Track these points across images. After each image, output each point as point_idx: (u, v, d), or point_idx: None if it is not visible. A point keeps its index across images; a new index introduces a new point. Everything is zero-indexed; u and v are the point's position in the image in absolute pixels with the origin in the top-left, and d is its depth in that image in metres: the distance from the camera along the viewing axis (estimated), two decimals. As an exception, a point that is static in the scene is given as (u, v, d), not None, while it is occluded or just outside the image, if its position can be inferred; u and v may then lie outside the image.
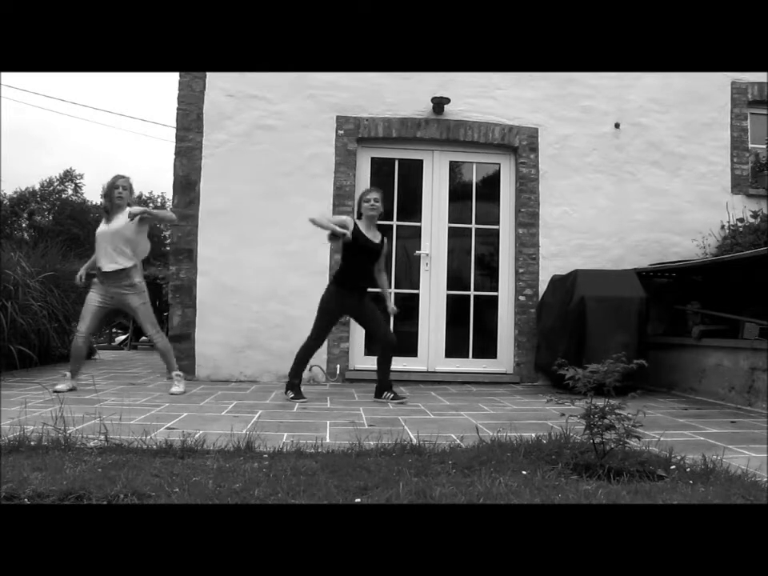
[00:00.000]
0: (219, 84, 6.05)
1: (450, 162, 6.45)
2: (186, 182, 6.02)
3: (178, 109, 6.06)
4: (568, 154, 6.37)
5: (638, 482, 2.26)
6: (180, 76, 6.09)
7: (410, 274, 6.32)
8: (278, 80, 6.06)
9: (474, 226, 6.45)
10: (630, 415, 2.46)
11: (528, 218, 6.27)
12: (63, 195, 40.72)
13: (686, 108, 6.50)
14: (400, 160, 6.38)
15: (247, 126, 6.07)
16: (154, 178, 54.50)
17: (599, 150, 6.40)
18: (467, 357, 6.30)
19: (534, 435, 2.96)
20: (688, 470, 2.45)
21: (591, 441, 2.50)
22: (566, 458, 2.51)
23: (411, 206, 6.38)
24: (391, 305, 4.83)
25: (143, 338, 11.49)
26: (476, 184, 6.51)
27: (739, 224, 6.16)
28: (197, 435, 3.01)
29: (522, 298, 6.22)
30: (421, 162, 6.39)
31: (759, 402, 4.47)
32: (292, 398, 4.59)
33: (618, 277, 5.59)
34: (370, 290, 4.69)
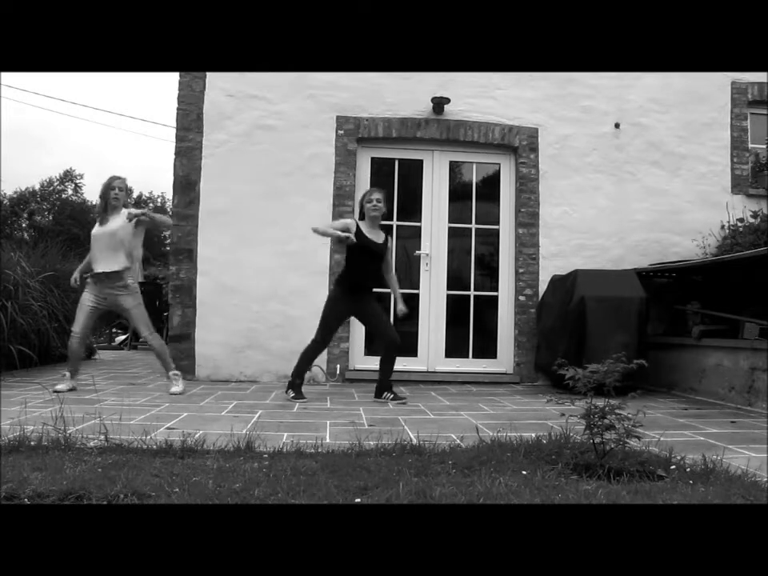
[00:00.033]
0: (219, 84, 6.05)
1: (450, 162, 6.45)
2: (186, 182, 6.02)
3: (178, 109, 6.06)
4: (568, 153, 6.37)
5: (638, 482, 2.26)
6: (180, 76, 6.08)
7: (410, 274, 6.32)
8: (278, 80, 6.06)
9: (473, 225, 6.45)
10: (630, 415, 2.46)
11: (528, 218, 6.27)
12: (63, 195, 40.75)
13: (686, 108, 6.50)
14: (400, 160, 6.38)
15: (247, 126, 6.07)
16: (154, 177, 54.56)
17: (599, 149, 6.40)
18: (467, 357, 6.30)
19: (533, 435, 2.96)
20: (688, 469, 2.45)
21: (591, 441, 2.50)
22: (566, 458, 2.51)
23: (411, 206, 6.38)
24: (401, 305, 4.75)
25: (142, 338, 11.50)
26: (476, 184, 6.51)
27: (739, 224, 6.16)
28: (197, 435, 3.01)
29: (522, 298, 6.22)
30: (421, 162, 6.39)
31: (759, 401, 4.47)
32: (292, 398, 4.59)
33: (618, 277, 5.59)
34: (380, 290, 4.68)
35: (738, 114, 6.55)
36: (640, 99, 6.46)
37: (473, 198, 6.46)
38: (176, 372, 4.94)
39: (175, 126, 6.07)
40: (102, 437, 2.75)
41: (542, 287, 6.15)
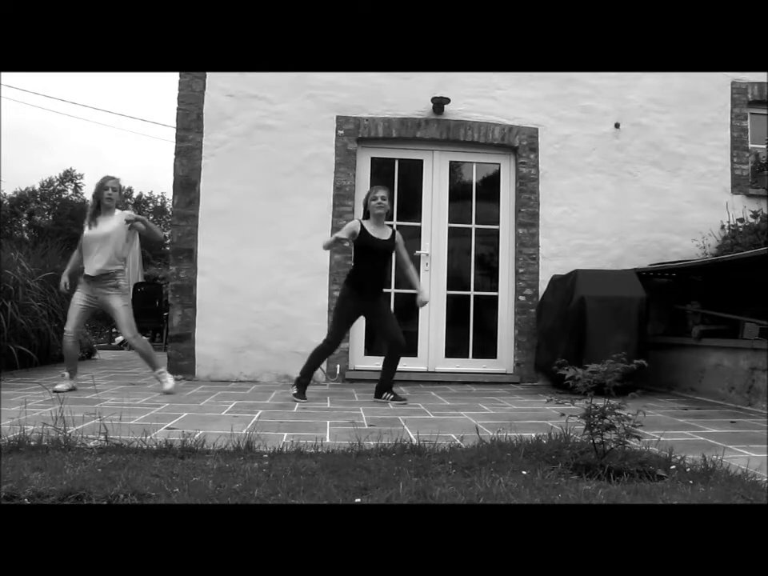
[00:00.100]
0: (219, 84, 6.05)
1: (450, 162, 6.45)
2: (186, 182, 6.02)
3: (178, 109, 6.06)
4: (568, 153, 6.37)
5: (638, 482, 2.26)
6: (180, 76, 6.09)
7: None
8: (278, 80, 6.07)
9: (473, 225, 6.45)
10: (630, 415, 2.46)
11: (528, 218, 6.27)
12: (63, 195, 40.77)
13: (686, 108, 6.50)
14: (400, 160, 6.38)
15: (247, 126, 6.07)
16: (154, 177, 54.56)
17: (599, 149, 6.41)
18: (467, 357, 6.30)
19: (533, 435, 2.96)
20: (688, 469, 2.45)
21: (591, 441, 2.50)
22: (566, 458, 2.51)
23: (411, 206, 6.38)
24: (421, 296, 4.73)
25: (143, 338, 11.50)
26: (476, 184, 6.52)
27: (739, 224, 6.16)
28: (197, 435, 3.01)
29: (522, 297, 6.22)
30: (421, 162, 6.39)
31: (759, 402, 4.47)
32: (294, 395, 4.60)
33: (618, 277, 5.59)
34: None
35: (738, 114, 6.55)
36: (640, 99, 6.46)
37: (473, 198, 6.46)
38: (162, 370, 4.90)
39: (175, 126, 6.07)
40: (102, 437, 2.75)
41: (542, 287, 6.15)
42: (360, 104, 6.17)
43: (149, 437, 2.85)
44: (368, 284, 4.59)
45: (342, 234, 4.56)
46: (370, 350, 6.14)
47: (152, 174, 61.25)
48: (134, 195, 42.44)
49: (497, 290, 6.39)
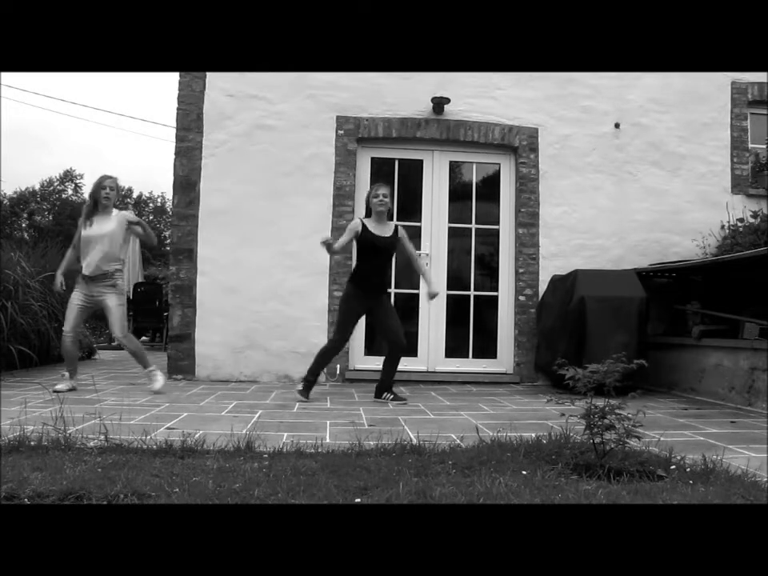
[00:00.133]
0: (219, 84, 6.05)
1: (450, 162, 6.45)
2: (186, 182, 6.02)
3: (178, 109, 6.06)
4: (568, 153, 6.37)
5: (638, 482, 2.26)
6: (180, 76, 6.09)
7: (410, 274, 6.32)
8: (278, 80, 6.07)
9: (473, 225, 6.45)
10: (630, 415, 2.46)
11: (528, 218, 6.27)
12: (63, 195, 40.76)
13: (686, 108, 6.50)
14: (400, 160, 6.38)
15: (247, 126, 6.07)
16: (154, 177, 54.54)
17: (599, 149, 6.41)
18: (467, 357, 6.30)
19: (533, 435, 2.96)
20: (688, 469, 2.45)
21: (591, 441, 2.50)
22: (566, 458, 2.51)
23: (411, 206, 6.38)
24: (431, 289, 4.72)
25: (143, 337, 11.50)
26: (476, 184, 6.52)
27: (739, 224, 6.16)
28: (197, 435, 3.01)
29: (522, 298, 6.22)
30: (421, 162, 6.39)
31: (759, 402, 4.47)
32: (298, 391, 4.63)
33: (618, 277, 5.59)
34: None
35: (738, 114, 6.56)
36: (640, 99, 6.47)
37: (473, 198, 6.46)
38: (152, 368, 4.89)
39: (175, 126, 6.07)
40: (102, 437, 2.75)
41: (542, 287, 6.15)
42: (360, 104, 6.18)
43: (149, 437, 2.85)
44: (371, 282, 4.59)
45: (346, 232, 4.60)
46: (369, 349, 6.14)
47: (152, 174, 61.24)
48: (134, 195, 42.44)
49: (497, 290, 6.39)
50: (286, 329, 5.93)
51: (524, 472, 2.35)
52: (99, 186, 4.83)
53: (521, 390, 5.67)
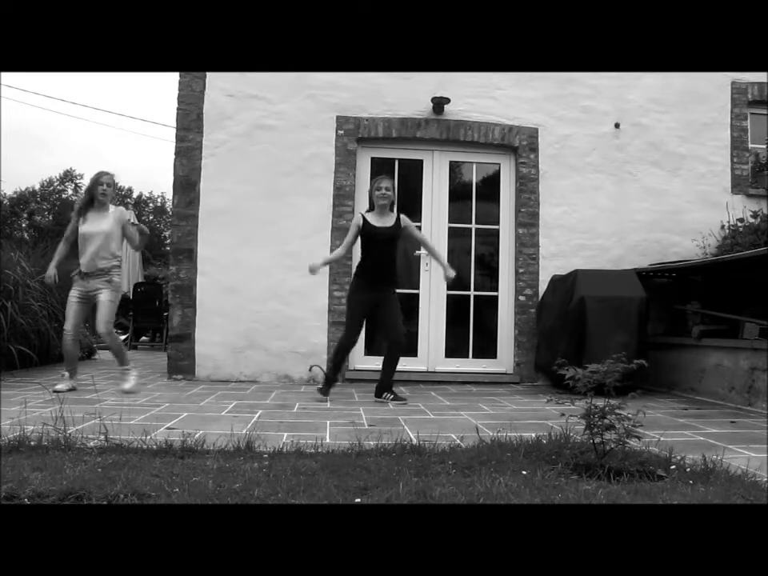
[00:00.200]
0: (219, 84, 6.05)
1: (450, 162, 6.45)
2: (186, 182, 6.02)
3: (177, 109, 6.06)
4: (568, 153, 6.37)
5: (638, 482, 2.26)
6: (180, 76, 6.09)
7: (410, 274, 6.32)
8: (278, 80, 6.07)
9: (473, 225, 6.45)
10: (630, 415, 2.46)
11: (528, 218, 6.27)
12: (63, 195, 40.76)
13: (686, 108, 6.50)
14: (400, 160, 6.38)
15: (247, 126, 6.07)
16: (154, 177, 54.54)
17: (599, 149, 6.41)
18: (467, 357, 6.30)
19: (533, 435, 2.96)
20: (688, 469, 2.45)
21: (591, 441, 2.50)
22: (566, 458, 2.51)
23: (411, 206, 6.37)
24: (449, 272, 4.68)
25: (143, 338, 11.49)
26: (476, 184, 6.52)
27: (739, 224, 6.16)
28: (197, 435, 3.01)
29: (522, 297, 6.22)
30: (421, 162, 6.39)
31: (759, 402, 4.47)
32: (318, 389, 4.74)
33: (618, 277, 5.59)
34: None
35: (738, 114, 6.55)
36: (640, 99, 6.46)
37: (473, 198, 6.46)
38: (128, 368, 4.88)
39: (175, 126, 6.07)
40: (102, 437, 2.75)
41: (542, 287, 6.15)
42: (360, 104, 6.18)
43: (149, 437, 2.85)
44: (374, 273, 4.60)
45: (349, 238, 4.70)
46: (369, 349, 6.14)
47: (152, 174, 61.24)
48: (134, 195, 42.44)
49: (497, 290, 6.39)
50: (286, 329, 5.93)
51: (524, 472, 2.35)
52: (96, 182, 4.83)
53: (521, 390, 5.67)
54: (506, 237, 6.40)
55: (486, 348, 6.34)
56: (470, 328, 6.34)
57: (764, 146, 6.53)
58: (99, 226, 4.77)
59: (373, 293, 4.58)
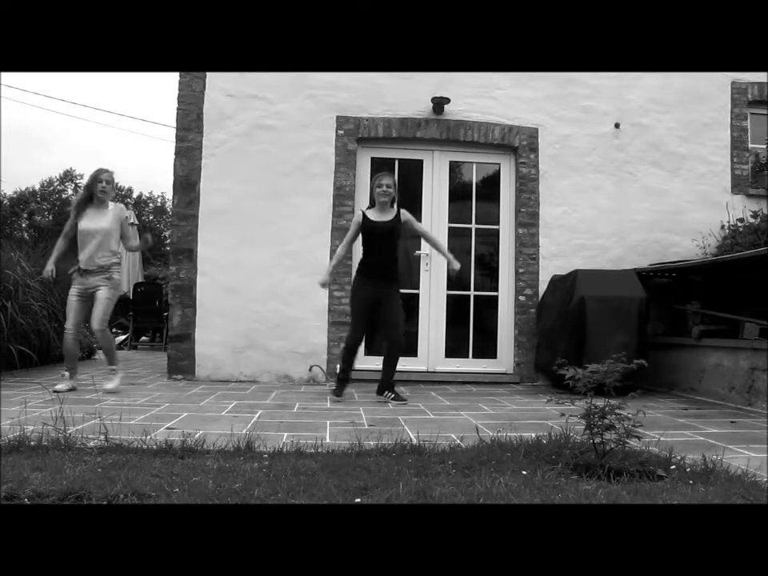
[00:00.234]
0: (219, 84, 6.05)
1: (450, 162, 6.45)
2: (186, 182, 6.02)
3: (178, 109, 6.06)
4: (568, 153, 6.37)
5: (638, 482, 2.26)
6: (180, 76, 6.09)
7: (410, 274, 6.32)
8: (278, 80, 6.07)
9: (473, 225, 6.45)
10: (630, 415, 2.46)
11: (528, 218, 6.27)
12: (63, 195, 40.76)
13: (686, 108, 6.50)
14: (400, 160, 6.38)
15: (247, 126, 6.07)
16: (154, 177, 54.53)
17: (599, 149, 6.41)
18: (467, 357, 6.30)
19: (533, 435, 2.96)
20: (688, 469, 2.45)
21: (591, 441, 2.50)
22: (566, 458, 2.51)
23: (411, 206, 6.31)
24: (454, 265, 4.69)
25: (143, 338, 11.49)
26: (476, 184, 6.52)
27: (739, 224, 6.16)
28: (197, 435, 3.01)
29: (522, 297, 6.22)
30: (421, 162, 6.39)
31: (759, 402, 4.47)
32: (332, 391, 4.76)
33: (618, 277, 5.59)
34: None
35: (738, 114, 6.56)
36: (640, 99, 6.46)
37: (473, 198, 6.46)
38: (115, 368, 4.88)
39: (175, 126, 6.07)
40: (102, 437, 2.75)
41: (542, 287, 6.15)
42: (360, 104, 6.18)
43: (149, 437, 2.85)
44: (374, 268, 4.62)
45: (349, 236, 4.74)
46: (369, 349, 6.13)
47: (152, 174, 61.21)
48: (134, 195, 42.44)
49: (497, 290, 6.39)
50: (286, 329, 5.93)
51: (524, 472, 2.35)
52: (96, 179, 4.82)
53: (521, 390, 5.67)
54: (506, 237, 6.40)
55: (486, 348, 6.34)
56: (470, 328, 6.34)
57: (764, 146, 6.53)
58: (99, 222, 4.77)
59: (374, 289, 4.58)
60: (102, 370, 6.61)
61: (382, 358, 4.76)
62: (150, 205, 43.29)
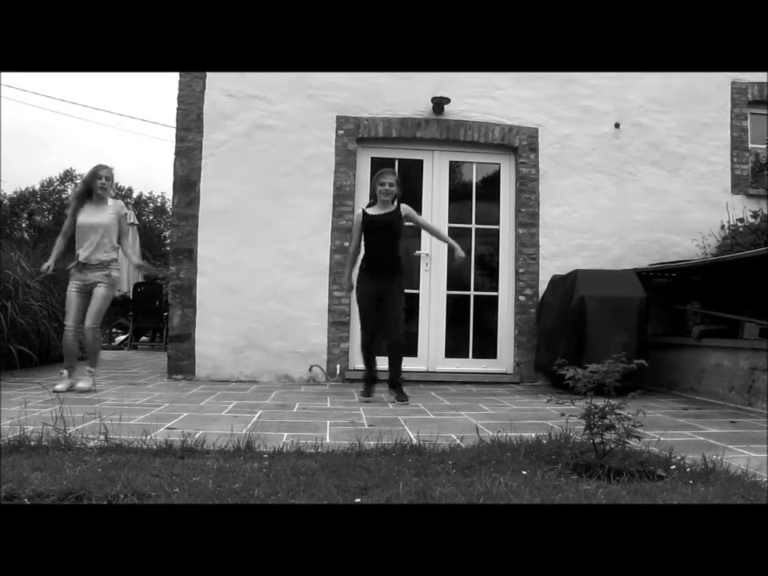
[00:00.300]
0: (219, 84, 6.05)
1: (450, 162, 6.45)
2: (186, 182, 6.02)
3: (178, 109, 6.06)
4: (568, 153, 6.37)
5: (638, 482, 2.26)
6: (180, 76, 6.09)
7: (410, 274, 6.31)
8: (278, 80, 6.07)
9: (473, 225, 6.45)
10: (630, 415, 2.46)
11: (528, 218, 6.27)
12: (63, 195, 40.74)
13: (686, 108, 6.50)
14: (400, 160, 6.37)
15: (247, 126, 6.07)
16: (154, 177, 54.51)
17: (599, 149, 6.40)
18: (467, 357, 6.30)
19: (533, 435, 2.96)
20: (688, 469, 2.45)
21: (591, 441, 2.50)
22: (566, 458, 2.51)
23: (411, 206, 6.35)
24: (458, 252, 4.66)
25: (143, 338, 11.50)
26: (476, 184, 6.52)
27: (739, 224, 6.16)
28: (197, 435, 3.01)
29: (522, 298, 6.22)
30: (421, 162, 6.39)
31: (759, 402, 4.47)
32: (361, 393, 4.75)
33: (618, 277, 5.59)
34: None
35: (738, 114, 6.55)
36: (640, 99, 6.46)
37: (473, 198, 6.46)
38: (91, 369, 4.86)
39: (175, 126, 6.07)
40: (102, 437, 2.75)
41: (542, 287, 6.15)
42: (360, 104, 6.18)
43: (149, 437, 2.85)
44: (374, 262, 4.63)
45: (354, 236, 4.78)
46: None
47: (152, 174, 61.16)
48: (134, 195, 42.43)
49: (497, 290, 6.39)
50: (286, 329, 5.93)
51: (524, 472, 2.35)
52: (95, 175, 4.81)
53: (521, 390, 5.67)
54: (506, 237, 6.40)
55: (486, 348, 6.34)
56: (470, 328, 6.34)
57: (764, 146, 6.53)
58: (99, 218, 4.77)
59: (375, 284, 4.58)
60: (102, 370, 6.60)
61: (387, 357, 4.75)
62: (150, 205, 43.27)
